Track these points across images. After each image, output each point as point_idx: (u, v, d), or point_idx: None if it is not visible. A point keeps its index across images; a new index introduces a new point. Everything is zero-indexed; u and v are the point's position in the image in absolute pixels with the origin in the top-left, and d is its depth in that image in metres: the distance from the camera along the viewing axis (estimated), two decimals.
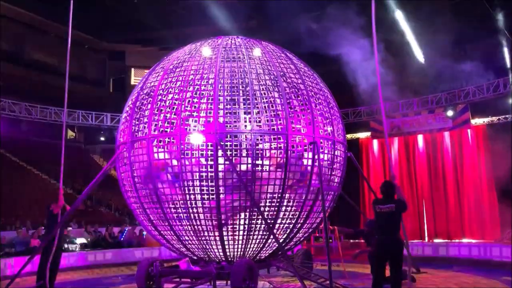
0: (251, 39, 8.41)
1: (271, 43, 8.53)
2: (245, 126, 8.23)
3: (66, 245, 12.52)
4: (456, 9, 15.90)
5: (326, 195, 7.87)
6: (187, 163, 7.35)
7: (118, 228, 16.21)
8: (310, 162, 7.48)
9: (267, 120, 7.96)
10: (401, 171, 18.94)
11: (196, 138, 7.44)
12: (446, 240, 16.76)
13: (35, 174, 23.09)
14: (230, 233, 7.34)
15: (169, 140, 7.95)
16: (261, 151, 7.76)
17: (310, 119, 7.60)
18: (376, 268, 6.28)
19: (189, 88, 7.53)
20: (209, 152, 7.28)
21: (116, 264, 13.07)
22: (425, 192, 18.53)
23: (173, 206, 7.38)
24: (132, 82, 30.93)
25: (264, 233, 7.42)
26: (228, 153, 7.42)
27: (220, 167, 7.18)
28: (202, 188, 7.22)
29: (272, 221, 7.40)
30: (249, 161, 7.18)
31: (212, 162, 7.16)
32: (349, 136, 17.81)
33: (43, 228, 14.01)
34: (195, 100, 7.58)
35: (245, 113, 8.12)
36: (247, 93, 7.47)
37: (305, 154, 7.67)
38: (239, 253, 7.54)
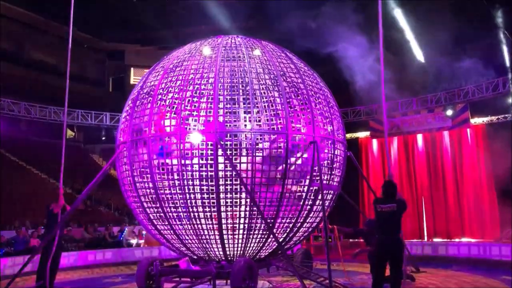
0: (251, 38, 8.41)
1: (271, 42, 8.53)
2: (245, 125, 8.23)
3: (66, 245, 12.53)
4: (455, 8, 15.89)
5: (326, 194, 7.87)
6: (187, 162, 7.36)
7: (118, 227, 16.22)
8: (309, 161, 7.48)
9: (267, 120, 7.96)
10: (401, 170, 18.96)
11: (196, 138, 7.43)
12: (446, 240, 16.78)
13: (34, 173, 23.09)
14: (230, 233, 7.34)
15: (168, 139, 7.94)
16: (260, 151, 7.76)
17: (310, 118, 7.61)
18: (376, 268, 6.28)
19: (189, 87, 7.53)
20: (209, 152, 7.28)
21: (116, 264, 13.07)
22: (425, 191, 18.55)
23: (173, 205, 7.38)
24: (132, 82, 30.93)
25: (264, 232, 7.42)
26: (228, 152, 7.42)
27: (220, 166, 7.19)
28: (202, 187, 7.23)
29: (272, 221, 7.40)
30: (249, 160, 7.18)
31: (212, 162, 7.16)
32: (348, 135, 17.82)
33: (42, 227, 14.04)
34: (195, 99, 7.58)
35: (245, 112, 8.12)
36: (247, 92, 7.47)
37: (305, 154, 7.67)
38: (239, 252, 7.54)
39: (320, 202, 7.67)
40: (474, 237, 16.53)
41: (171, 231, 7.57)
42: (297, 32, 14.94)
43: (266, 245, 7.67)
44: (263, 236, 7.46)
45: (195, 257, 7.88)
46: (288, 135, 7.31)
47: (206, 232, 7.33)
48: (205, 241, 7.42)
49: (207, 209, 7.27)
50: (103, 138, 25.30)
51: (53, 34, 27.38)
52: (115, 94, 31.26)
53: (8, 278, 8.38)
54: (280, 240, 7.62)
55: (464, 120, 17.54)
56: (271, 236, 7.36)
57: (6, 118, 20.58)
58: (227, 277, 7.31)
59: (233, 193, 7.27)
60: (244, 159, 7.21)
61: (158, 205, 7.42)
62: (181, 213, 7.37)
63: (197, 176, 7.31)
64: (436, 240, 16.88)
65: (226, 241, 7.36)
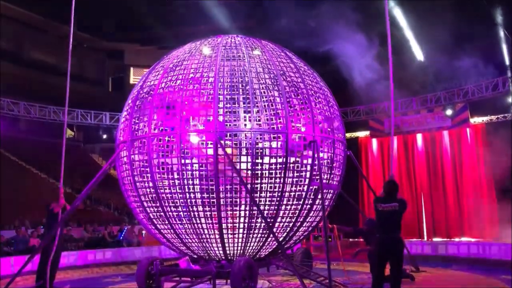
0: (251, 38, 8.41)
1: (270, 42, 8.53)
2: (245, 124, 8.24)
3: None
4: (455, 7, 15.89)
5: (326, 193, 7.88)
6: (187, 161, 7.36)
7: (117, 227, 16.22)
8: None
9: (267, 119, 7.96)
10: (400, 169, 18.96)
11: (194, 138, 7.44)
12: (445, 239, 16.79)
13: (34, 173, 23.09)
14: (229, 232, 7.35)
15: (169, 138, 7.95)
16: (261, 150, 7.76)
17: (310, 117, 7.61)
18: (377, 267, 6.28)
19: (189, 86, 7.54)
20: (209, 151, 7.28)
21: (116, 263, 13.07)
22: (424, 191, 18.56)
23: (173, 204, 7.39)
24: (131, 81, 30.92)
25: (264, 231, 7.43)
26: (228, 151, 7.42)
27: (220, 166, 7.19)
28: (202, 186, 7.23)
29: (272, 220, 7.41)
30: (249, 159, 7.18)
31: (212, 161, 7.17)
32: (348, 135, 17.82)
33: (42, 227, 14.04)
34: (195, 99, 7.58)
35: (244, 111, 8.12)
36: (247, 91, 7.47)
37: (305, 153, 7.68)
38: (239, 251, 7.55)
39: (320, 202, 7.67)
40: (473, 237, 16.54)
41: (171, 231, 7.58)
42: (296, 31, 14.95)
43: (266, 244, 7.68)
44: (263, 235, 7.47)
45: (195, 256, 7.88)
46: (288, 134, 7.31)
47: (206, 232, 7.33)
48: (205, 240, 7.43)
49: (207, 209, 7.27)
50: (104, 137, 25.23)
51: (52, 33, 27.37)
52: (114, 93, 31.25)
53: (8, 278, 8.37)
54: (280, 239, 7.62)
55: (464, 119, 17.55)
56: (271, 235, 7.36)
57: (5, 117, 20.57)
58: (227, 277, 7.31)
59: (233, 193, 7.27)
60: (244, 159, 7.21)
61: (158, 204, 7.43)
62: (181, 213, 7.38)
63: (197, 176, 7.31)
64: (435, 239, 16.88)
65: (226, 241, 7.36)
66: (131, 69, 31.88)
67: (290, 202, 7.56)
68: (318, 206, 7.79)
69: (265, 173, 7.70)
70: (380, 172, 19.61)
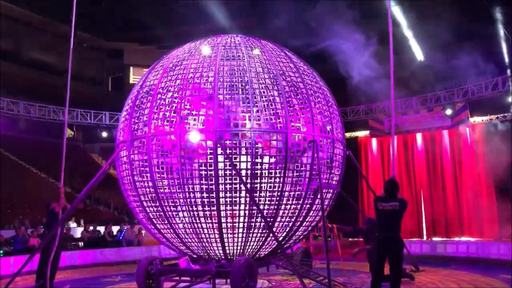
0: (251, 37, 8.41)
1: (270, 41, 8.53)
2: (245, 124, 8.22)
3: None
4: (454, 6, 15.90)
5: (325, 193, 7.88)
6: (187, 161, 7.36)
7: (117, 227, 16.23)
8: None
9: (267, 119, 7.96)
10: (400, 169, 18.97)
11: (194, 137, 7.43)
12: (445, 238, 16.82)
13: (33, 172, 23.09)
14: (229, 232, 7.35)
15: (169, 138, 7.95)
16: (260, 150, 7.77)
17: (309, 117, 7.61)
18: (376, 266, 6.29)
19: (189, 86, 7.54)
20: (209, 151, 7.28)
21: (116, 263, 13.07)
22: (424, 190, 18.58)
23: (173, 204, 7.39)
24: (131, 81, 30.91)
25: (264, 231, 7.43)
26: (228, 151, 7.42)
27: (220, 165, 7.19)
28: (202, 186, 7.23)
29: (272, 219, 7.41)
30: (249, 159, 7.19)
31: (211, 161, 7.17)
32: (348, 134, 17.84)
33: (42, 227, 14.04)
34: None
35: (244, 111, 8.11)
36: (247, 91, 7.47)
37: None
38: (238, 251, 7.55)
39: (320, 201, 7.67)
40: (473, 236, 16.56)
41: (171, 230, 7.58)
42: (296, 30, 14.94)
43: (265, 244, 7.69)
44: (262, 235, 7.48)
45: (194, 256, 7.89)
46: (288, 134, 7.32)
47: (205, 231, 7.34)
48: (204, 240, 7.43)
49: (207, 208, 7.28)
50: (104, 137, 25.23)
51: (52, 33, 27.34)
52: (114, 93, 31.24)
53: (7, 278, 8.37)
54: (280, 239, 7.63)
55: (464, 119, 17.56)
56: (271, 235, 7.37)
57: (5, 117, 20.56)
58: (226, 276, 7.32)
59: (233, 192, 7.28)
60: (243, 158, 7.22)
61: (157, 204, 7.43)
62: (181, 212, 7.38)
63: (197, 175, 7.32)
64: (435, 239, 16.91)
65: (225, 240, 7.37)
66: (131, 68, 31.87)
67: (290, 202, 7.56)
68: (318, 205, 7.79)
69: (265, 172, 7.71)
70: (380, 171, 19.62)
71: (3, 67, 24.50)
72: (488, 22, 16.21)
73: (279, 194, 7.34)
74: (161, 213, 7.47)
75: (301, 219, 7.77)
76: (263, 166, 7.65)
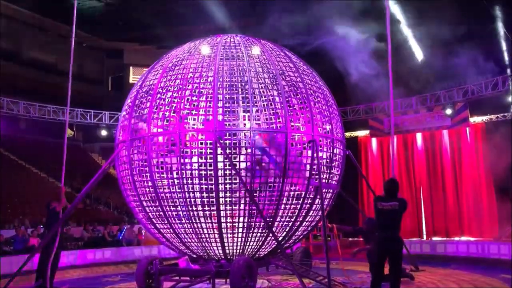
0: (250, 37, 8.40)
1: (270, 41, 8.53)
2: (244, 124, 8.24)
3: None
4: (454, 5, 15.89)
5: (325, 193, 7.88)
6: (186, 161, 7.36)
7: (117, 226, 16.22)
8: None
9: (266, 118, 7.97)
10: (400, 169, 18.96)
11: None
12: (445, 238, 16.80)
13: (33, 172, 23.08)
14: (229, 231, 7.35)
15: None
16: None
17: (309, 117, 7.61)
18: (376, 266, 6.29)
19: (188, 86, 7.54)
20: (208, 150, 7.29)
21: (115, 263, 13.07)
22: (424, 190, 18.56)
23: (172, 204, 7.39)
24: (131, 81, 30.89)
25: (263, 231, 7.43)
26: (227, 151, 7.43)
27: (219, 165, 7.19)
28: (202, 186, 7.23)
29: (271, 219, 7.41)
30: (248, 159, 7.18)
31: (211, 160, 7.17)
32: (347, 134, 17.83)
33: (41, 226, 14.04)
34: (194, 98, 7.58)
35: (244, 111, 8.12)
36: (246, 91, 7.47)
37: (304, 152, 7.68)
38: (238, 251, 7.55)
39: (319, 201, 7.67)
40: (473, 236, 16.55)
41: (171, 230, 7.58)
42: (296, 30, 14.94)
43: (265, 244, 7.68)
44: (262, 235, 7.47)
45: (194, 256, 7.89)
46: (287, 134, 7.31)
47: (205, 231, 7.34)
48: (204, 240, 7.43)
49: (207, 208, 7.28)
50: (103, 136, 25.22)
51: (52, 32, 27.32)
52: (114, 93, 31.23)
53: (7, 277, 8.36)
54: (280, 239, 7.62)
55: (464, 119, 17.54)
56: (271, 235, 7.36)
57: (5, 117, 20.55)
58: (226, 276, 7.32)
59: (232, 192, 7.28)
60: (243, 158, 7.21)
61: (157, 204, 7.43)
62: (181, 212, 7.38)
63: (196, 175, 7.32)
64: (435, 238, 16.90)
65: (225, 240, 7.37)
66: (131, 68, 31.87)
67: (290, 202, 7.56)
68: (318, 205, 7.79)
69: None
70: (380, 171, 19.60)
71: (3, 66, 24.49)
72: (488, 21, 16.20)
73: (278, 194, 7.33)
74: (161, 213, 7.47)
75: (301, 219, 7.77)
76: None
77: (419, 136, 18.96)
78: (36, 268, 8.21)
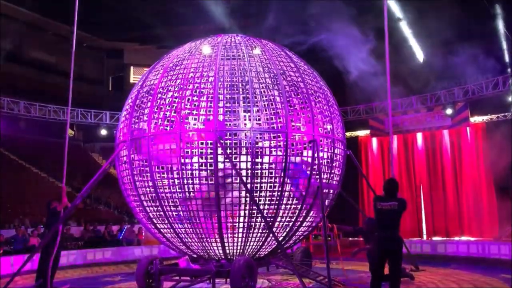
0: (251, 37, 8.40)
1: (270, 41, 8.52)
2: (245, 124, 8.23)
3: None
4: (454, 4, 15.88)
5: (326, 193, 7.88)
6: (187, 161, 7.36)
7: (117, 226, 16.22)
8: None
9: (267, 118, 7.96)
10: (400, 168, 18.96)
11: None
12: (445, 238, 16.80)
13: (34, 172, 23.07)
14: (229, 231, 7.35)
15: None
16: (260, 149, 7.77)
17: (309, 117, 7.61)
18: (376, 266, 6.29)
19: (189, 86, 7.53)
20: (209, 150, 7.28)
21: (116, 262, 13.07)
22: (424, 190, 18.56)
23: (173, 204, 7.39)
24: (131, 80, 30.90)
25: (264, 231, 7.43)
26: (228, 151, 7.42)
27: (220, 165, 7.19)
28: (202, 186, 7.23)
29: (272, 219, 7.41)
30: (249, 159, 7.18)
31: (211, 160, 7.17)
32: (348, 134, 17.82)
33: (42, 226, 14.04)
34: (195, 98, 7.58)
35: (244, 111, 8.12)
36: (247, 91, 7.47)
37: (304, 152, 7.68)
38: (238, 251, 7.55)
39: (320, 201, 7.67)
40: (473, 236, 16.55)
41: (171, 230, 7.58)
42: (295, 30, 14.93)
43: (265, 244, 7.68)
44: (262, 235, 7.47)
45: (194, 255, 7.89)
46: (288, 133, 7.31)
47: (205, 231, 7.34)
48: (204, 240, 7.43)
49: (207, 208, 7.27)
50: (104, 136, 25.21)
51: (52, 32, 27.31)
52: (114, 92, 31.22)
53: (7, 277, 8.37)
54: (280, 239, 7.62)
55: (464, 118, 17.54)
56: (271, 235, 7.36)
57: (5, 116, 20.54)
58: (226, 276, 7.32)
59: (233, 192, 7.28)
60: (244, 158, 7.21)
61: (157, 204, 7.43)
62: (181, 212, 7.38)
63: (197, 175, 7.31)
64: (435, 238, 16.90)
65: (225, 240, 7.36)
66: (131, 68, 31.87)
67: (290, 202, 7.56)
68: (318, 205, 7.78)
69: (265, 172, 7.70)
70: (380, 171, 19.60)
71: (3, 66, 24.47)
72: (489, 21, 16.18)
73: (279, 193, 7.33)
74: (161, 212, 7.47)
75: (301, 219, 7.76)
76: (263, 166, 7.66)
77: (419, 136, 18.96)
78: (37, 268, 8.20)
